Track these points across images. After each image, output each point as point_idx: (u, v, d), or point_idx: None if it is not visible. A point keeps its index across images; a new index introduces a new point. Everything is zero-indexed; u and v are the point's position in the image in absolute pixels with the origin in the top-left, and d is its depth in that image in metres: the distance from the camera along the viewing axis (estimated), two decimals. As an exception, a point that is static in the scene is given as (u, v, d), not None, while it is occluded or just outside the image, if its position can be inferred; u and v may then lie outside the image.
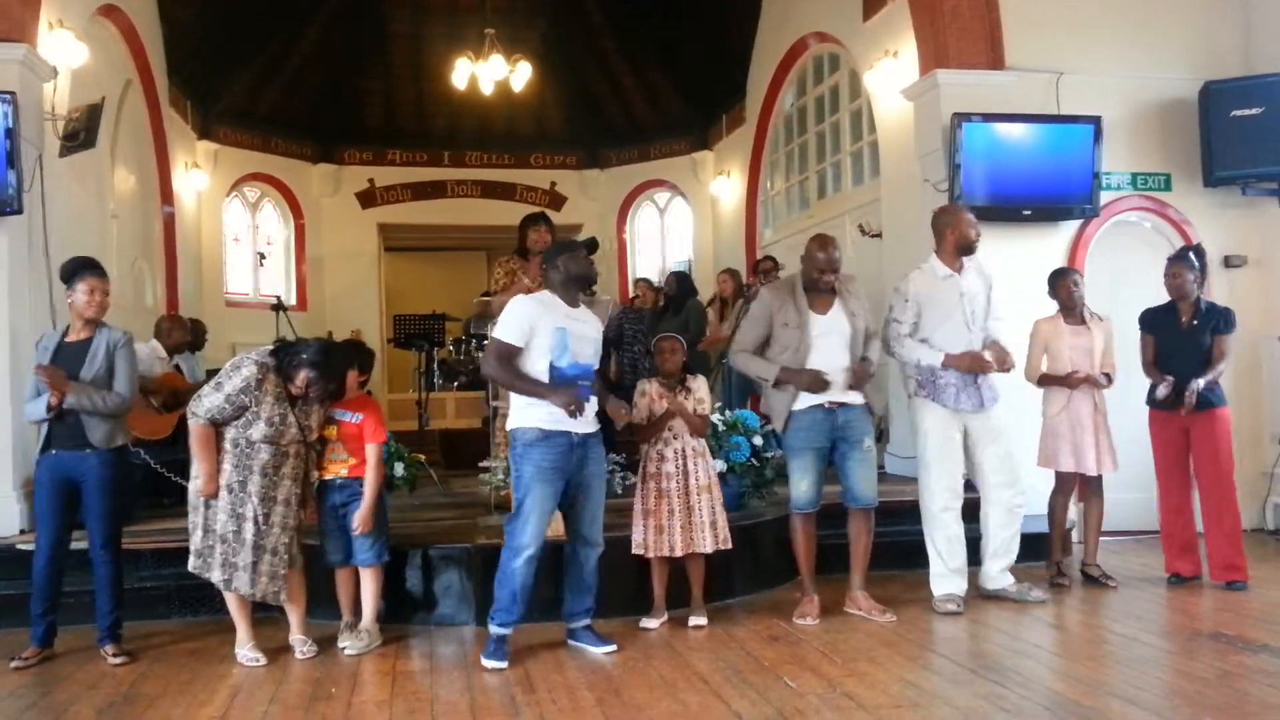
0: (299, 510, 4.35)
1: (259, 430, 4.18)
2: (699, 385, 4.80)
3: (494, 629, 4.22)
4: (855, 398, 4.67)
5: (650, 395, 4.73)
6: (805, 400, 4.63)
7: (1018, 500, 5.02)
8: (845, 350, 4.68)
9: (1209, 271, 5.57)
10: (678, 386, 4.74)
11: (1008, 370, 5.00)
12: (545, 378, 4.15)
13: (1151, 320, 5.50)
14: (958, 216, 5.01)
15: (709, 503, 4.67)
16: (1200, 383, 5.16)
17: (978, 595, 5.06)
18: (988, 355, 4.87)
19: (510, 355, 4.16)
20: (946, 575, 4.92)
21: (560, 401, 4.05)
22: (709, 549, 4.64)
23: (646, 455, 4.71)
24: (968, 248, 4.96)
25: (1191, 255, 5.44)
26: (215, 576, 4.21)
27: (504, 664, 4.11)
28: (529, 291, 5.38)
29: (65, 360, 4.29)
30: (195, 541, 4.25)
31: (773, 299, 4.77)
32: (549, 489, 4.17)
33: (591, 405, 4.27)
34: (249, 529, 4.18)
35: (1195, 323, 5.33)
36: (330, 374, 4.30)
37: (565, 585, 4.42)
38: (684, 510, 4.62)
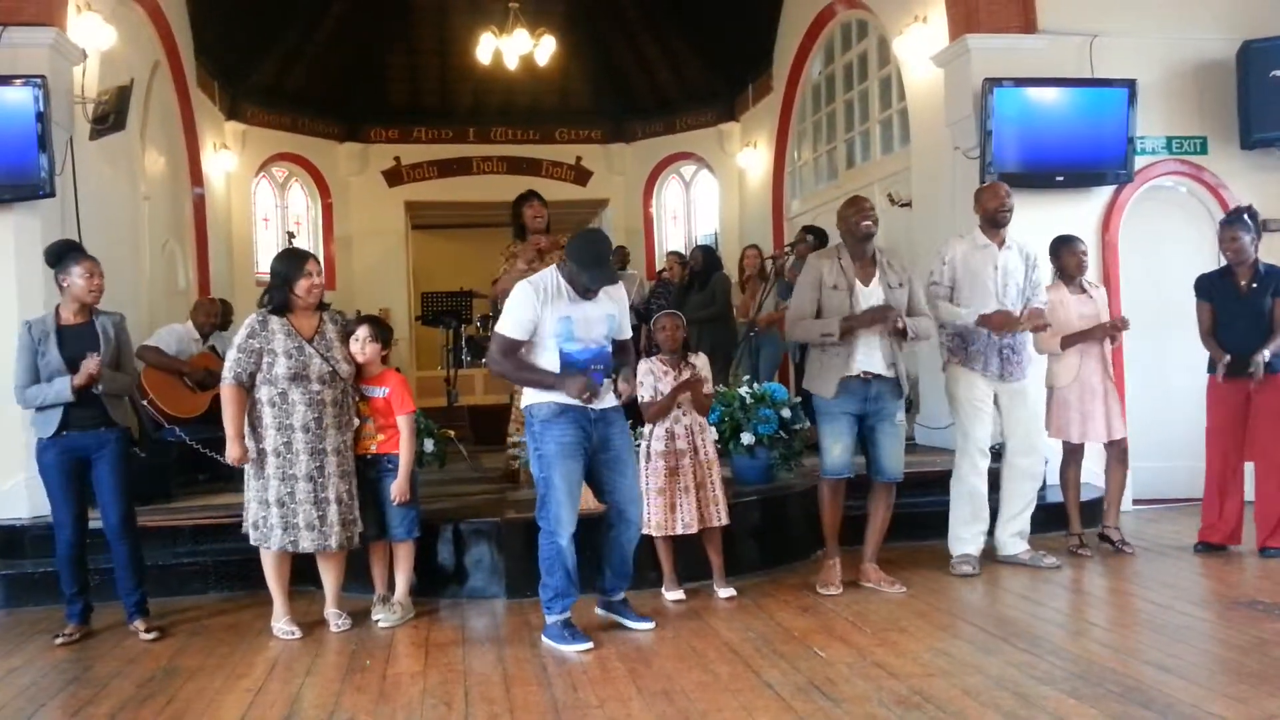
0: (352, 455, 4.39)
1: (281, 366, 4.21)
2: (701, 363, 4.77)
3: (556, 617, 4.08)
4: (887, 371, 4.62)
5: (655, 374, 4.69)
6: (850, 369, 4.58)
7: (1035, 469, 5.11)
8: None
9: (1263, 233, 5.36)
10: (680, 363, 4.72)
11: (1043, 328, 5.00)
12: (556, 365, 4.01)
13: (1208, 286, 5.33)
14: (985, 190, 5.17)
15: (716, 477, 4.70)
16: (1266, 354, 5.00)
17: (993, 561, 5.10)
18: (1022, 315, 4.94)
19: (513, 349, 4.05)
20: (965, 538, 5.05)
21: (573, 391, 3.93)
22: (724, 522, 4.67)
23: (653, 434, 4.68)
24: (991, 219, 5.04)
25: (1246, 217, 5.23)
26: (276, 543, 4.26)
27: (589, 643, 3.98)
28: (525, 273, 5.25)
29: (75, 344, 4.30)
30: (251, 514, 4.30)
31: (820, 262, 4.74)
32: (573, 464, 4.06)
33: (609, 384, 4.20)
34: (303, 488, 4.23)
35: (1254, 286, 5.15)
36: (299, 260, 4.37)
37: (604, 562, 4.32)
38: (697, 486, 4.63)
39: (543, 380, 4.03)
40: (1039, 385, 5.21)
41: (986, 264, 5.00)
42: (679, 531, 4.62)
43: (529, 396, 4.15)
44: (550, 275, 4.11)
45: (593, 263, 4.00)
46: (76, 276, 4.35)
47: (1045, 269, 5.34)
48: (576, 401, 4.00)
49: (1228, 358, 5.09)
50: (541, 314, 4.02)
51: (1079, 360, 5.23)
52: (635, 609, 4.35)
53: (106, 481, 4.36)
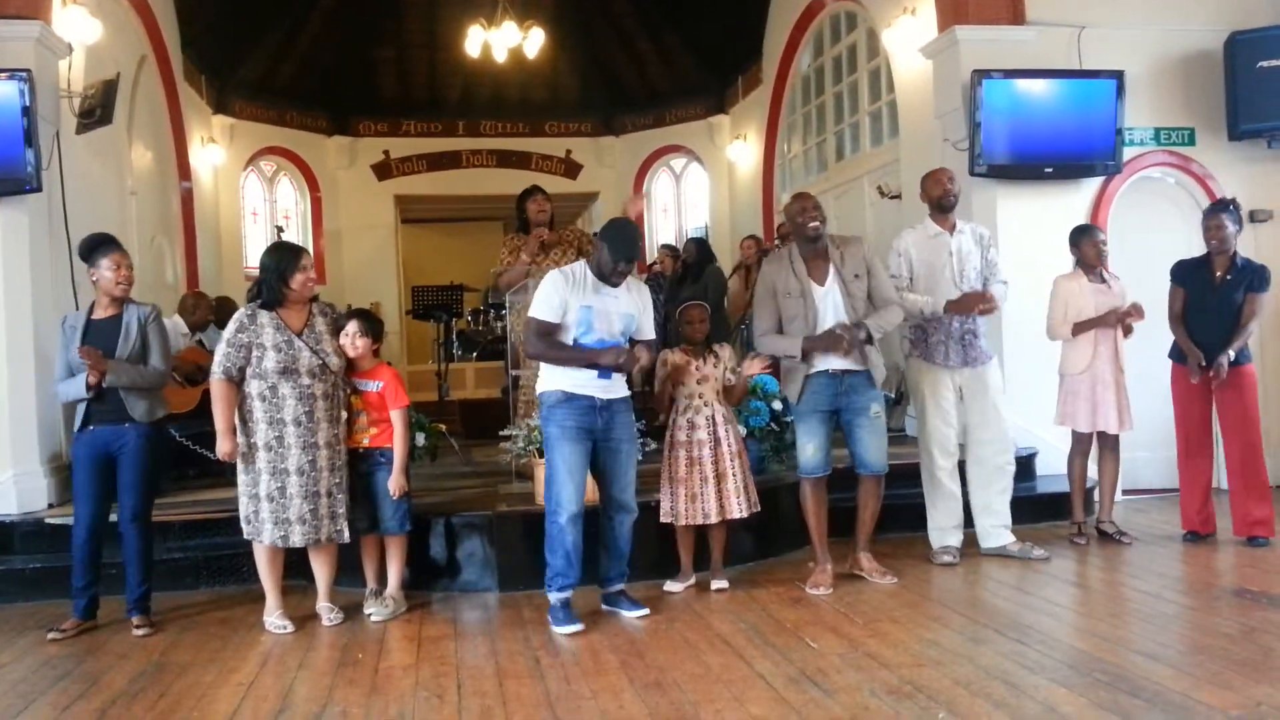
0: (343, 449, 4.39)
1: (271, 360, 4.20)
2: (726, 353, 4.81)
3: (555, 595, 4.24)
4: (857, 364, 4.58)
5: (674, 363, 4.73)
6: (815, 366, 4.59)
7: (1003, 458, 5.12)
8: (845, 317, 4.56)
9: (1243, 224, 5.45)
10: (705, 353, 4.75)
11: (990, 311, 5.00)
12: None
13: (1183, 273, 5.39)
14: (928, 178, 5.20)
15: (740, 468, 4.70)
16: (1231, 354, 5.08)
17: (981, 554, 5.12)
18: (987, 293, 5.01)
19: (548, 331, 4.22)
20: (942, 529, 5.11)
21: (609, 361, 4.14)
22: (744, 514, 4.68)
23: (675, 423, 4.71)
24: (937, 205, 5.10)
25: (1232, 208, 5.29)
26: (267, 538, 4.25)
27: (579, 625, 4.14)
28: (529, 265, 5.39)
29: (97, 338, 4.31)
30: (243, 508, 4.30)
31: (771, 270, 4.72)
32: (576, 447, 4.20)
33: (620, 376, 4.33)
34: (294, 482, 4.22)
35: (1229, 278, 5.19)
36: (293, 254, 4.36)
37: (600, 550, 4.44)
38: (716, 477, 4.64)
39: (580, 358, 4.19)
40: (998, 373, 5.19)
41: (940, 252, 5.03)
42: (699, 521, 4.64)
43: (541, 384, 4.34)
44: (579, 266, 4.33)
45: (626, 247, 4.21)
46: (104, 270, 4.36)
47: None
48: (581, 389, 4.20)
49: (1201, 361, 5.13)
50: (569, 299, 4.20)
51: (1092, 349, 5.26)
52: (632, 597, 4.43)
53: (125, 475, 4.36)
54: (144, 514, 4.43)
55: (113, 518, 4.46)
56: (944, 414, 5.04)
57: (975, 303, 4.91)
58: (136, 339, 4.36)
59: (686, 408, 4.70)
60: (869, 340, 4.56)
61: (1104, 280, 5.36)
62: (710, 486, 4.63)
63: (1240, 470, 5.22)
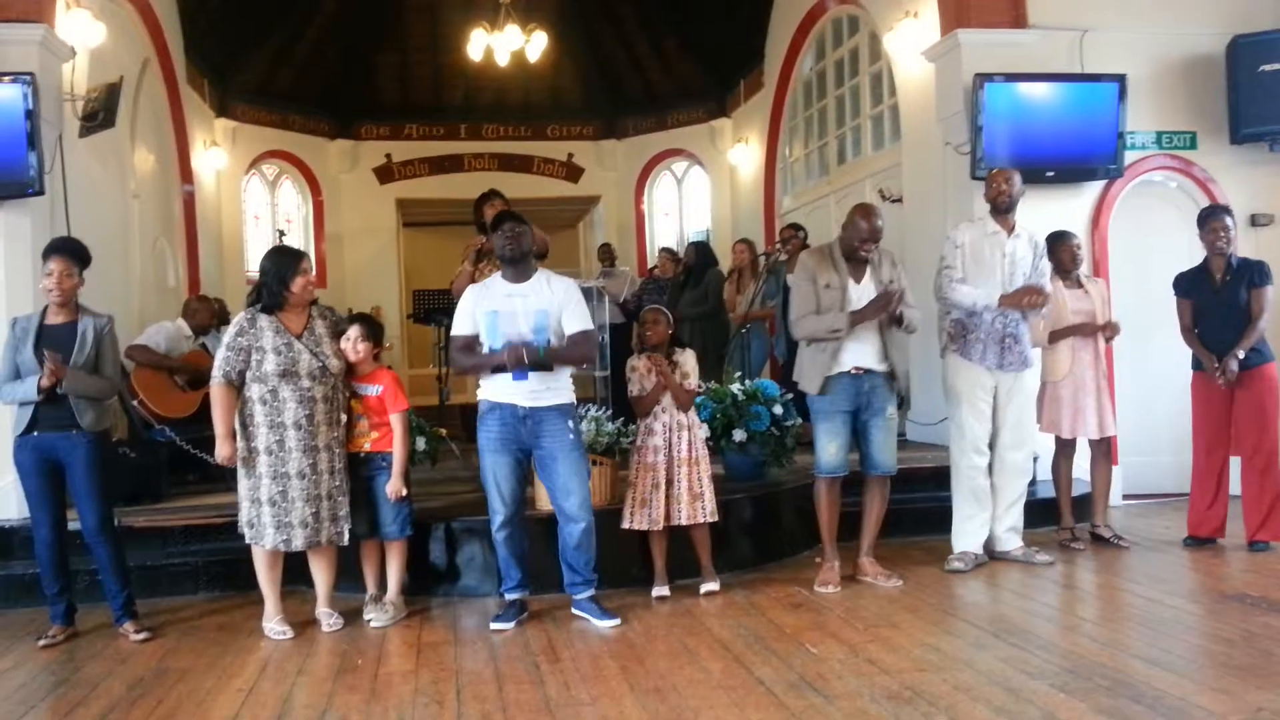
0: (343, 452, 4.39)
1: (271, 363, 4.20)
2: (686, 359, 4.77)
3: (505, 595, 4.45)
4: (880, 365, 4.66)
5: (640, 369, 4.73)
6: (838, 366, 4.61)
7: (1025, 464, 5.12)
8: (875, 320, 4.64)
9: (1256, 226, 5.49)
10: (665, 359, 4.73)
11: (1038, 305, 4.95)
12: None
13: (1185, 284, 5.40)
14: (991, 176, 5.16)
15: (688, 475, 4.63)
16: (1240, 355, 5.08)
17: (988, 557, 5.10)
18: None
19: (465, 345, 4.34)
20: (968, 531, 5.05)
21: (509, 359, 4.17)
22: (685, 521, 4.62)
23: (638, 429, 4.74)
24: (993, 206, 5.05)
25: (1230, 211, 5.33)
26: (269, 542, 4.24)
27: (508, 625, 4.27)
28: (470, 277, 5.35)
29: (51, 344, 4.24)
30: (244, 513, 4.29)
31: (814, 262, 4.76)
32: (499, 458, 4.33)
33: (537, 379, 4.24)
34: (295, 486, 4.22)
35: (1229, 279, 5.22)
36: (294, 258, 4.37)
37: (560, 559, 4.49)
38: (666, 483, 4.62)
39: (484, 361, 4.29)
40: (1035, 379, 5.21)
41: (995, 251, 5.01)
42: (645, 527, 4.63)
43: (479, 393, 4.44)
44: (495, 276, 4.45)
45: (495, 223, 4.37)
46: (42, 275, 4.33)
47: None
48: (503, 398, 4.28)
49: (1219, 365, 5.10)
50: (476, 310, 4.32)
51: (1070, 355, 5.27)
52: (604, 606, 4.37)
53: (80, 485, 4.30)
54: (106, 524, 4.37)
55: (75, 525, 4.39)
56: (979, 413, 5.00)
57: (1024, 295, 4.85)
58: (92, 349, 4.31)
59: (647, 414, 4.71)
60: (899, 322, 4.60)
61: (1081, 285, 5.36)
62: (660, 493, 4.61)
63: (1254, 472, 5.18)
